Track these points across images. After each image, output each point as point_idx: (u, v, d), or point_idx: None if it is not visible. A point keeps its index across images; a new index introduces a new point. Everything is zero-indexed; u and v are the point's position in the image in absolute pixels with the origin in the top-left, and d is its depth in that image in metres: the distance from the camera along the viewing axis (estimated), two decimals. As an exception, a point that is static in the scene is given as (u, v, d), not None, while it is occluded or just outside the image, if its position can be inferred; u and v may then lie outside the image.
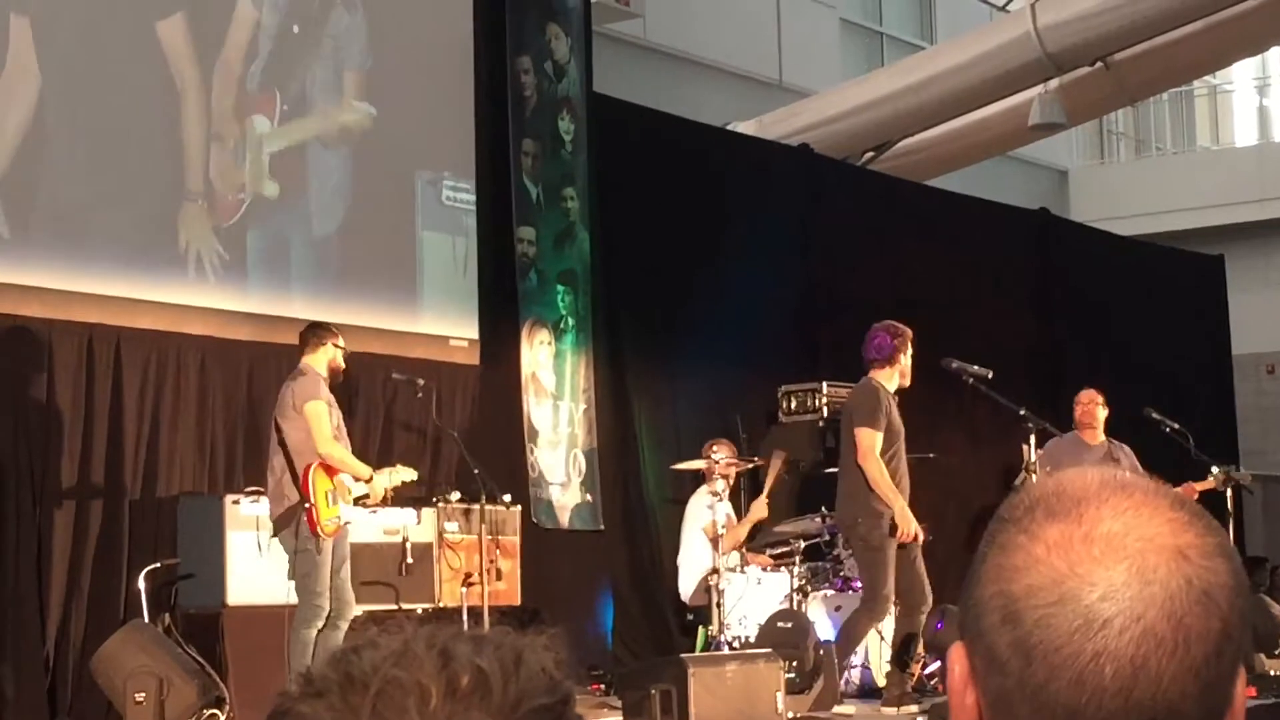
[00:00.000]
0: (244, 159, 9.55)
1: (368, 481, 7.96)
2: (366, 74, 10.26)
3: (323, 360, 8.07)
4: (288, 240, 9.76)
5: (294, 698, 1.05)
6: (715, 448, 10.46)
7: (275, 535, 7.95)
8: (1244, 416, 17.58)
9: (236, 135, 9.52)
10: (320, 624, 7.76)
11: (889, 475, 8.59)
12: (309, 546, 7.77)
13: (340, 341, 8.17)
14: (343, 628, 7.87)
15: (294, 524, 7.81)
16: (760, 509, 10.78)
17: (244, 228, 9.54)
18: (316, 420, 7.85)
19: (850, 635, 8.95)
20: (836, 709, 8.61)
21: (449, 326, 10.50)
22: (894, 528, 8.55)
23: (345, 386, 8.22)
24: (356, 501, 8.03)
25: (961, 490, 12.62)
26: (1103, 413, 10.58)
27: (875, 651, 10.02)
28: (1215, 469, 10.70)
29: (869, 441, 8.60)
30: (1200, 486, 10.49)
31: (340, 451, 7.90)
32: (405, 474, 8.35)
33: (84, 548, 8.44)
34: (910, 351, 8.80)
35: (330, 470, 7.90)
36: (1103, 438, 10.48)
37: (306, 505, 7.74)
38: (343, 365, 8.19)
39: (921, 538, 8.67)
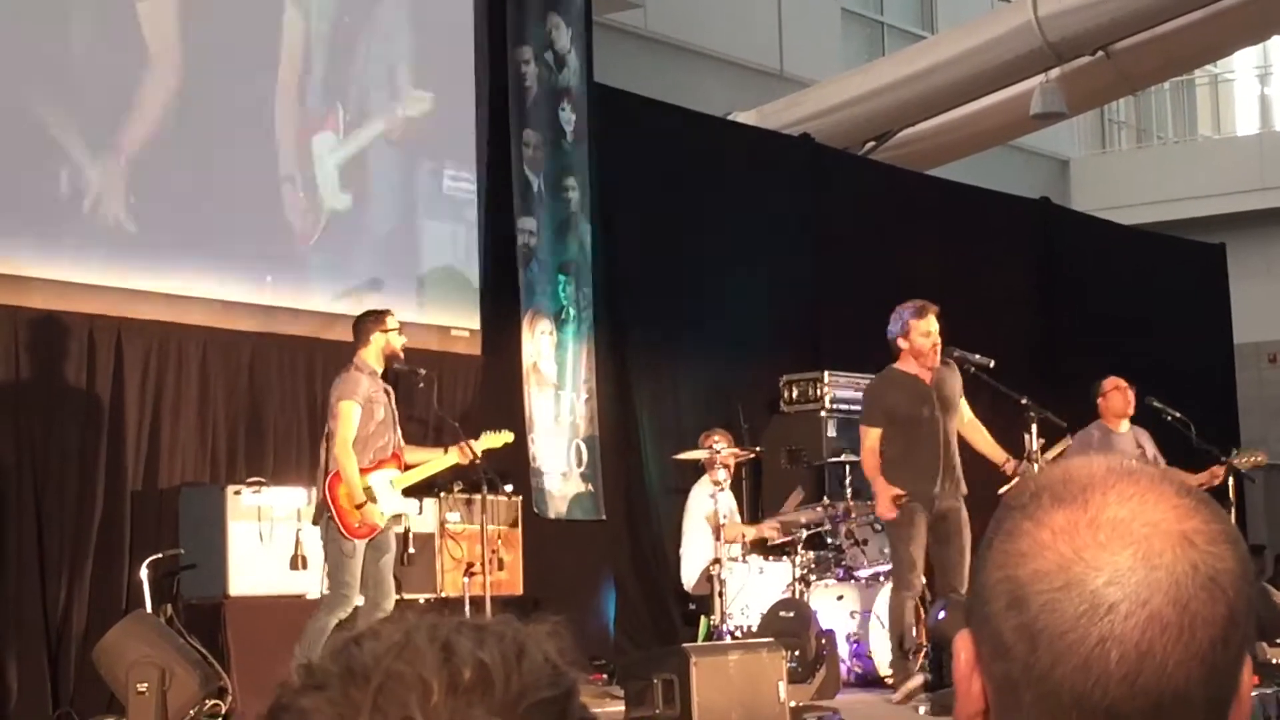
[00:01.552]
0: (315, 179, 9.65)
1: (358, 507, 7.92)
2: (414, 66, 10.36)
3: (374, 351, 8.07)
4: (289, 230, 9.75)
5: (295, 691, 1.04)
6: (714, 438, 10.44)
7: (315, 523, 8.04)
8: (1245, 406, 17.54)
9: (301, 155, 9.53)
10: (343, 614, 7.78)
11: (901, 458, 8.75)
12: (337, 539, 7.81)
13: (390, 323, 8.16)
14: (379, 617, 7.88)
15: (327, 515, 7.87)
16: (770, 529, 10.74)
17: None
18: (344, 421, 7.90)
19: (891, 618, 8.94)
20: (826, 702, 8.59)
21: (450, 317, 10.50)
22: (926, 501, 8.75)
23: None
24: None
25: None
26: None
27: (879, 639, 10.01)
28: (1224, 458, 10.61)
29: (862, 441, 8.98)
30: (1201, 479, 10.41)
31: (349, 464, 7.88)
32: (493, 440, 8.65)
33: (86, 538, 8.44)
34: (922, 329, 8.78)
35: (381, 463, 7.95)
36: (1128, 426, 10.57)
37: (327, 514, 7.79)
38: (398, 347, 8.17)
39: (890, 515, 8.72)
